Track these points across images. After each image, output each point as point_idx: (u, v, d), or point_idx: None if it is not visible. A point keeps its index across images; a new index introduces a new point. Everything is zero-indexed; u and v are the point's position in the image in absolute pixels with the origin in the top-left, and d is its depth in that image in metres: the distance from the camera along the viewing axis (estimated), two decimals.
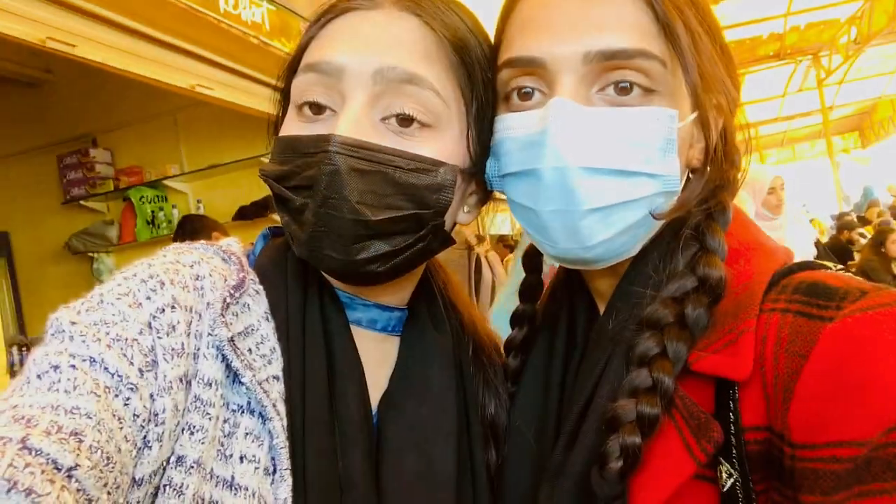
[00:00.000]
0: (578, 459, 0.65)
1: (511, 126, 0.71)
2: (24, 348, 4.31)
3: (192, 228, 3.55)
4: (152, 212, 4.92)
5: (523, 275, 0.92)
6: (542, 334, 0.84)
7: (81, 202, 5.10)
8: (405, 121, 0.68)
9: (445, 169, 0.70)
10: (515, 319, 0.89)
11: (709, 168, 0.71)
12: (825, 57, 8.92)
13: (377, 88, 0.67)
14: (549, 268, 0.95)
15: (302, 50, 0.74)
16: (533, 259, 0.91)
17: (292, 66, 0.75)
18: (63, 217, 5.18)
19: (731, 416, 0.59)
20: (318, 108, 0.70)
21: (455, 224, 0.78)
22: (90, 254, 5.11)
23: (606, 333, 0.70)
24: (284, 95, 0.78)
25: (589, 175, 0.64)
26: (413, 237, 0.70)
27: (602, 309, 0.78)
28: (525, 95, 0.70)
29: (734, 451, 0.59)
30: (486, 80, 0.74)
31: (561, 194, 0.65)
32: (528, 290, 0.90)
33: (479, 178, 0.78)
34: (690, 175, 0.71)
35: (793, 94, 10.81)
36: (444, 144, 0.71)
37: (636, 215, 0.67)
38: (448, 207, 0.71)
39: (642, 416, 0.60)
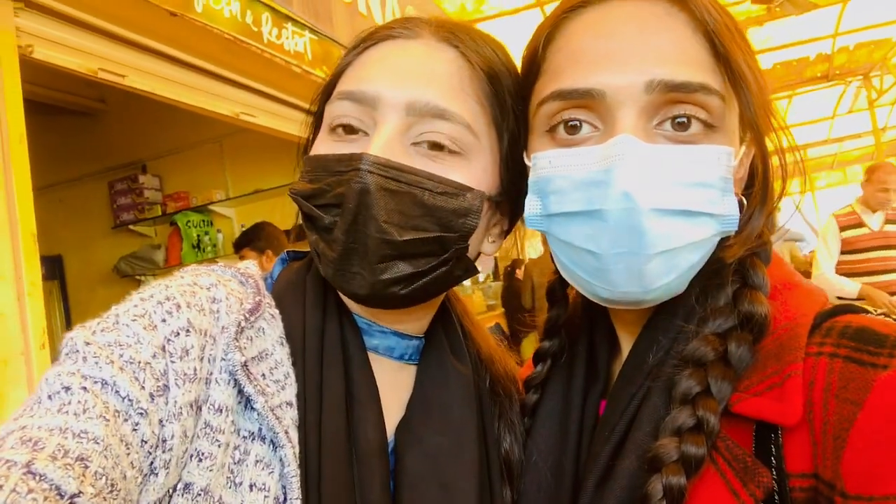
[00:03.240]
0: (613, 499, 0.62)
1: (562, 163, 0.66)
2: None
3: (254, 236, 3.72)
4: (198, 236, 5.04)
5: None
6: (561, 366, 0.81)
7: (130, 227, 5.25)
8: (435, 147, 0.69)
9: (473, 194, 0.70)
10: (539, 356, 0.85)
11: (763, 201, 0.68)
12: (876, 77, 8.67)
13: (410, 119, 0.68)
14: None
15: (338, 75, 0.75)
16: (556, 292, 0.87)
17: (327, 90, 0.75)
18: (112, 241, 5.33)
19: (774, 461, 0.56)
20: (350, 131, 0.70)
21: (479, 254, 0.77)
22: (137, 277, 5.23)
23: (640, 368, 0.67)
24: (317, 118, 0.79)
25: (658, 217, 0.60)
26: (436, 260, 0.69)
27: (626, 342, 0.75)
28: (573, 129, 0.65)
29: (776, 497, 0.56)
30: (516, 111, 0.74)
31: (629, 237, 0.61)
32: (552, 325, 0.85)
33: (504, 209, 0.78)
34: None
35: (842, 116, 10.53)
36: (472, 172, 0.71)
37: (697, 256, 0.64)
38: (473, 232, 0.71)
39: (687, 457, 0.57)
